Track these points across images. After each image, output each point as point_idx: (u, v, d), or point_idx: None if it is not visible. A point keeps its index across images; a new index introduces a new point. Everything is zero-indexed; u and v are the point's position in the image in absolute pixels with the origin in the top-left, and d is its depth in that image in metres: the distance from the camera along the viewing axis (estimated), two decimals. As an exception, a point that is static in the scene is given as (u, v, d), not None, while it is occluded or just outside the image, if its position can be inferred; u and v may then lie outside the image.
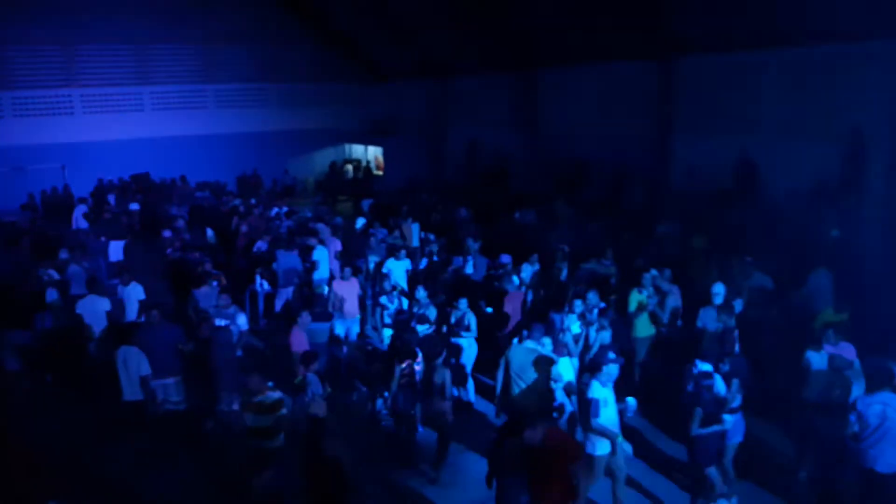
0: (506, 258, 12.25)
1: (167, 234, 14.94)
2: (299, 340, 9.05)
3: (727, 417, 6.98)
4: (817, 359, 7.70)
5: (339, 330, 10.78)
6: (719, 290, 9.41)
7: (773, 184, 14.27)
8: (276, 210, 17.56)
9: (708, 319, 9.15)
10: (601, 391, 6.73)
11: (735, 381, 7.22)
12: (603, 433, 6.67)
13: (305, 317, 9.40)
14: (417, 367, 8.33)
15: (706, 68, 15.70)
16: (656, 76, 16.71)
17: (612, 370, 6.81)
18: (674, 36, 15.78)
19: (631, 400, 6.67)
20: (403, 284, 11.75)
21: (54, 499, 5.62)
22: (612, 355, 6.90)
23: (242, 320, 9.77)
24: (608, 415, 6.74)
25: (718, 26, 14.71)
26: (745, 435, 7.37)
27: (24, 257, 13.88)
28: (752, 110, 14.72)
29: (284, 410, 7.22)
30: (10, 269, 12.97)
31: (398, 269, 12.03)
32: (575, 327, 9.20)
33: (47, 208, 20.31)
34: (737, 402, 7.18)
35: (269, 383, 7.30)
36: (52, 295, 11.04)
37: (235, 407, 8.06)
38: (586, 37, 17.76)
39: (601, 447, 6.73)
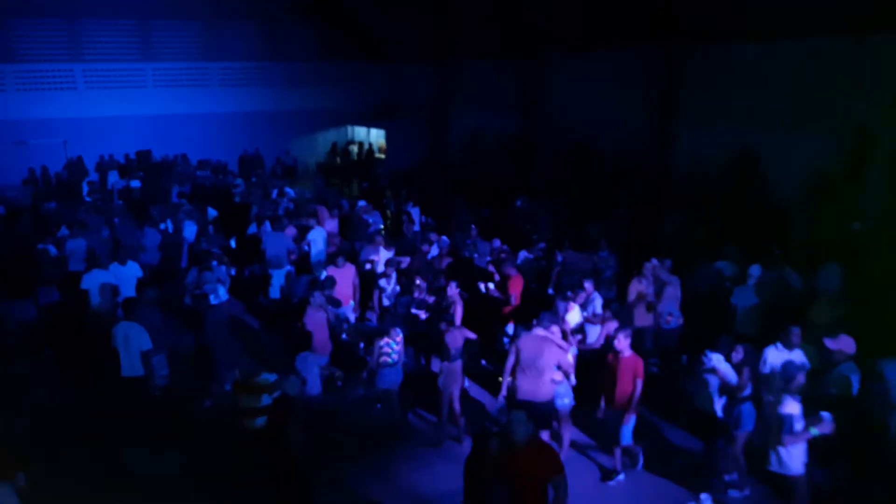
0: (496, 243, 12.34)
1: (155, 211, 14.90)
2: (314, 320, 9.08)
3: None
4: (775, 355, 7.61)
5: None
6: (755, 271, 9.91)
7: (775, 175, 14.25)
8: (275, 191, 17.50)
9: (742, 298, 9.72)
10: (794, 405, 6.42)
11: (746, 370, 7.27)
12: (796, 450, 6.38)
13: (318, 297, 9.35)
14: (397, 346, 8.37)
15: (711, 58, 15.61)
16: (661, 64, 16.62)
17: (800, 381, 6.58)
18: (679, 24, 15.70)
19: (826, 414, 6.39)
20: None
21: (23, 471, 5.62)
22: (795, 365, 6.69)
23: (222, 291, 9.84)
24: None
25: (724, 16, 14.65)
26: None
27: (25, 232, 13.89)
28: (756, 101, 14.66)
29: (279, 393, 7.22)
30: (11, 243, 13.00)
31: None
32: (574, 317, 9.21)
33: (60, 186, 20.16)
34: (748, 390, 7.22)
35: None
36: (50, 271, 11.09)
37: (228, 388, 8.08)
38: (592, 23, 17.66)
39: (797, 464, 6.45)
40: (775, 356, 7.68)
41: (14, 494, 5.46)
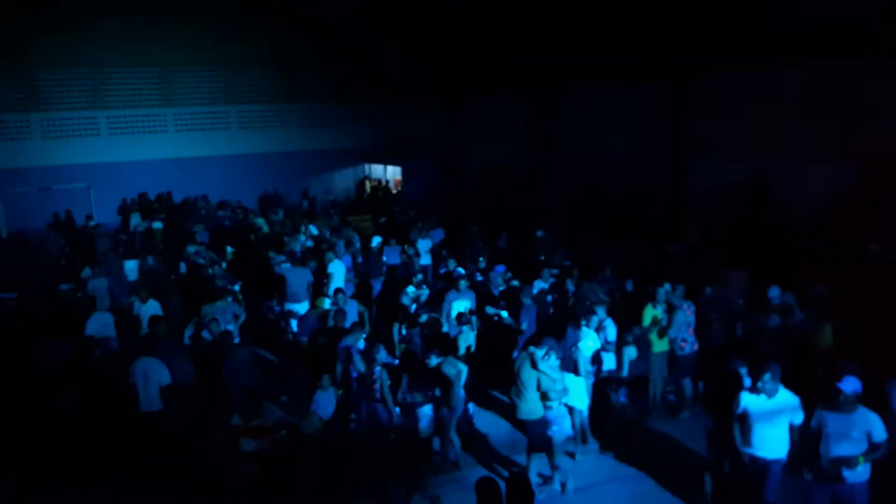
0: (500, 268, 12.56)
1: (191, 249, 15.19)
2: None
3: None
4: (752, 402, 6.85)
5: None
6: (775, 293, 10.22)
7: (789, 203, 14.19)
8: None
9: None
10: None
11: None
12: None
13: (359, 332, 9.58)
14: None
15: (722, 87, 15.69)
16: (672, 96, 16.75)
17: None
18: (689, 55, 15.82)
19: None
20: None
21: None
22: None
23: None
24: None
25: (733, 45, 14.74)
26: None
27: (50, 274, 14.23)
28: (768, 128, 14.67)
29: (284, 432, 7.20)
30: (38, 285, 13.31)
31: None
32: (588, 344, 9.18)
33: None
34: None
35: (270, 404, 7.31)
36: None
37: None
38: (602, 59, 17.85)
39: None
40: None
41: None
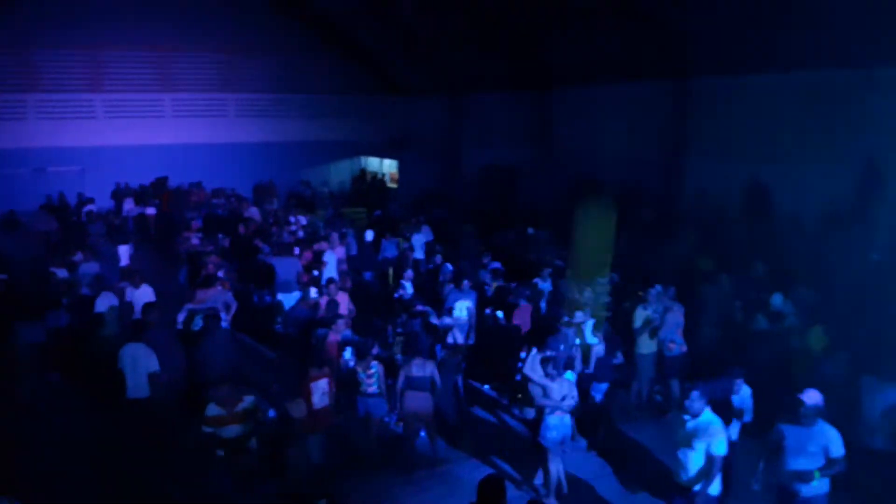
0: (495, 264, 12.75)
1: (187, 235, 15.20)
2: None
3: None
4: (677, 420, 6.48)
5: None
6: (777, 300, 10.31)
7: (784, 208, 14.23)
8: (293, 219, 17.72)
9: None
10: None
11: None
12: None
13: (340, 324, 9.55)
14: (368, 379, 8.34)
15: (720, 90, 15.73)
16: (670, 97, 16.76)
17: None
18: (688, 57, 15.85)
19: None
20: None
21: (6, 495, 5.63)
22: None
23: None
24: None
25: (733, 49, 14.77)
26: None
27: (39, 256, 14.14)
28: (765, 133, 14.70)
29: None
30: (26, 267, 13.23)
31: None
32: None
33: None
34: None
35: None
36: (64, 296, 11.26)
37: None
38: (601, 57, 17.88)
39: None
40: None
41: None
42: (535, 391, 7.87)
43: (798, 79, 14.00)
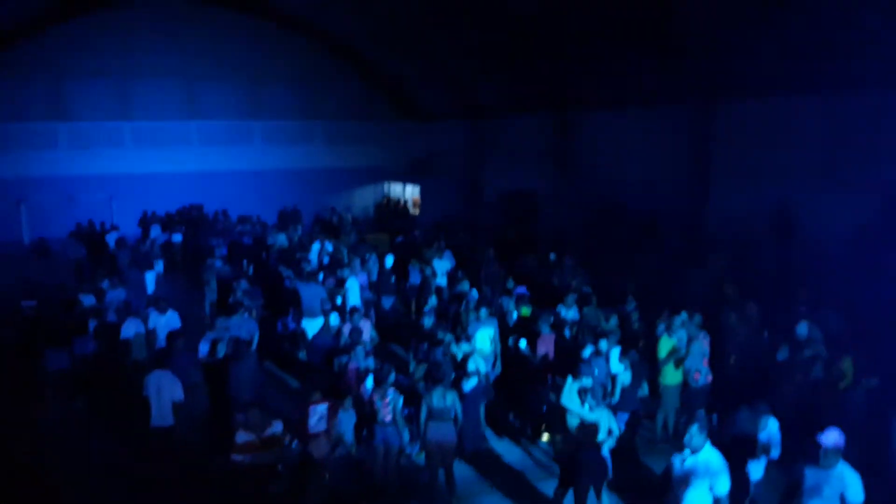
0: (521, 289, 12.56)
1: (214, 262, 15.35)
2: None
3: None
4: (677, 456, 6.22)
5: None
6: (802, 329, 9.80)
7: (811, 233, 14.05)
8: (316, 244, 17.79)
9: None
10: None
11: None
12: None
13: (359, 351, 9.68)
14: (384, 408, 8.28)
15: (743, 113, 15.64)
16: (693, 121, 16.70)
17: None
18: (711, 80, 15.80)
19: None
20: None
21: None
22: None
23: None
24: None
25: (756, 71, 14.72)
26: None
27: (68, 282, 14.38)
28: (789, 157, 14.57)
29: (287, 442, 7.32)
30: (55, 293, 13.46)
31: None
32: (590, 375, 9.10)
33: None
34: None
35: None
36: (92, 322, 11.40)
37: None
38: (623, 81, 17.89)
39: None
40: None
41: None
42: (573, 422, 7.72)
43: (824, 102, 13.91)
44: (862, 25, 12.23)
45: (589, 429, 7.53)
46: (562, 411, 8.05)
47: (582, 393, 7.84)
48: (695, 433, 5.93)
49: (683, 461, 6.03)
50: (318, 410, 7.95)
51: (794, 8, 12.87)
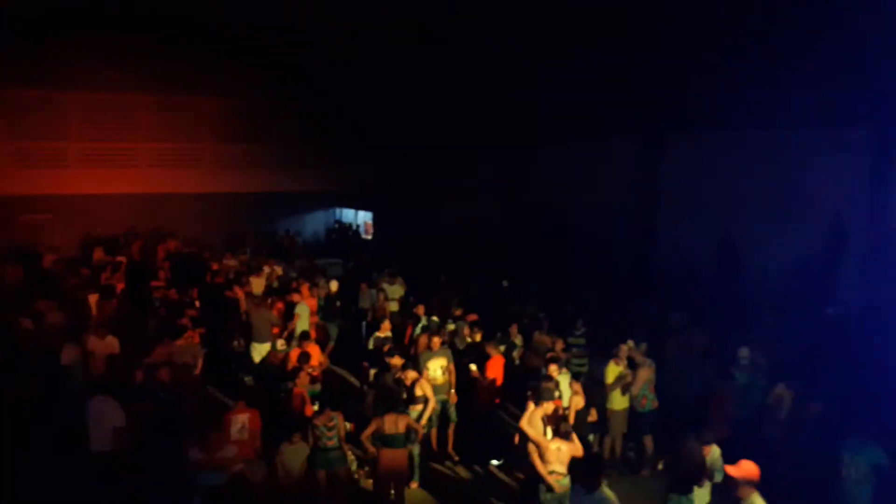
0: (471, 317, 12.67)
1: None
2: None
3: None
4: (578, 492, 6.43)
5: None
6: (745, 353, 10.25)
7: (756, 262, 14.45)
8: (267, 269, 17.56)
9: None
10: None
11: None
12: None
13: (304, 376, 9.60)
14: (328, 432, 8.16)
15: (690, 146, 16.05)
16: (641, 152, 17.10)
17: None
18: (659, 114, 16.23)
19: None
20: None
21: None
22: None
23: None
24: None
25: (702, 106, 15.18)
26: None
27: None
28: (735, 188, 14.99)
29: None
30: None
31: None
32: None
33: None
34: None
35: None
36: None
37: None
38: (574, 116, 18.22)
39: None
40: None
41: None
42: (530, 448, 7.66)
43: (768, 136, 14.40)
44: (803, 66, 12.80)
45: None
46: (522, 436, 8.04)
47: (544, 418, 7.82)
48: None
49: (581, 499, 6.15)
50: (239, 420, 7.85)
51: (739, 46, 13.39)
